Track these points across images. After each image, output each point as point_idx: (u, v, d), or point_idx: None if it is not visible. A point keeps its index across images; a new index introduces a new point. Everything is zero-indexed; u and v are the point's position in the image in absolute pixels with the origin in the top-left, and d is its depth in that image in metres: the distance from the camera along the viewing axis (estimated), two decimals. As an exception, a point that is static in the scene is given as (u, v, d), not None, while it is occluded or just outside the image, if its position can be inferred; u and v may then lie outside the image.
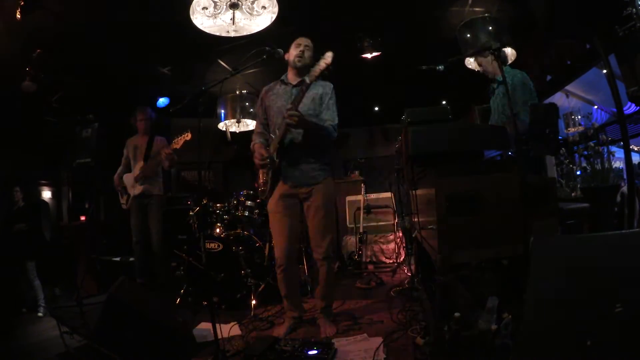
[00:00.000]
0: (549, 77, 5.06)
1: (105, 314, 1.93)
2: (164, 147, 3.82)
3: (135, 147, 3.84)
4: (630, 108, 4.72)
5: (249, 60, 2.39)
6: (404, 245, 4.58)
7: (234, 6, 2.82)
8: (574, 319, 1.17)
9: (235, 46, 3.92)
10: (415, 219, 2.38)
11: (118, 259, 4.33)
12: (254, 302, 3.02)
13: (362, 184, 5.32)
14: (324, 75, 2.28)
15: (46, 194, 5.66)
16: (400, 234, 4.69)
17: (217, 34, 3.03)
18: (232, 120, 5.30)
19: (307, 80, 2.24)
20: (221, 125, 5.42)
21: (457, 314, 1.56)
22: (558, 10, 3.38)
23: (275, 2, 2.83)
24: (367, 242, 4.83)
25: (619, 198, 3.32)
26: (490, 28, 2.87)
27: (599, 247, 1.19)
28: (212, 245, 3.25)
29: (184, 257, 3.30)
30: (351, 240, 4.95)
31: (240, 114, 5.20)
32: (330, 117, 2.44)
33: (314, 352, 1.99)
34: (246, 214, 3.63)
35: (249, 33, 3.05)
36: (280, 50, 2.44)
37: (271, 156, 2.41)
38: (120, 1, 3.27)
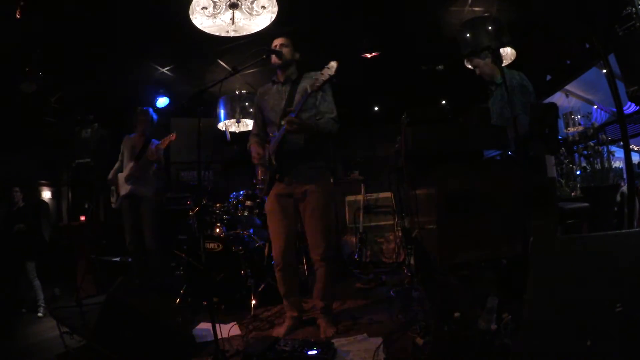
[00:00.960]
0: (548, 77, 5.06)
1: (105, 314, 1.93)
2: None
3: (132, 146, 3.85)
4: (630, 108, 4.72)
5: (249, 60, 2.39)
6: (403, 245, 4.57)
7: (233, 6, 2.82)
8: (574, 319, 1.17)
9: (234, 46, 3.92)
10: (415, 219, 2.38)
11: (118, 259, 4.32)
12: (253, 302, 3.02)
13: (362, 184, 5.32)
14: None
15: (46, 194, 5.66)
16: (400, 234, 4.69)
17: (217, 33, 3.03)
18: (232, 120, 5.30)
19: (309, 89, 2.23)
20: (221, 125, 5.42)
21: (456, 314, 1.56)
22: (558, 10, 3.39)
23: (274, 1, 2.83)
24: (367, 242, 4.83)
25: (618, 198, 3.32)
26: (490, 28, 2.86)
27: (598, 247, 1.19)
28: (212, 245, 3.25)
29: (184, 257, 3.30)
30: (351, 240, 4.95)
31: (239, 114, 5.19)
32: (328, 109, 2.42)
33: (314, 352, 1.99)
34: (246, 213, 3.63)
35: (248, 33, 3.05)
36: (280, 50, 2.45)
37: (268, 155, 2.42)
38: (121, 1, 3.27)
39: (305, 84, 2.37)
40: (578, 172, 4.20)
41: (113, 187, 3.84)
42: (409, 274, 3.66)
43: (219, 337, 1.97)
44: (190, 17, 2.88)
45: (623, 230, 1.80)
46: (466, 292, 2.43)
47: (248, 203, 3.66)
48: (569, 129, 5.75)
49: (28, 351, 2.61)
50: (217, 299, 3.12)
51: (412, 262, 3.60)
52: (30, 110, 4.79)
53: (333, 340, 2.22)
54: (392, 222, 4.98)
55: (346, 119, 2.79)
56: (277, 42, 2.51)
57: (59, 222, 5.54)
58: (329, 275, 2.51)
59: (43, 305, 3.56)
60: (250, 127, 5.38)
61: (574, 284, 1.17)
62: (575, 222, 2.32)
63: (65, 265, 4.44)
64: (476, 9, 3.66)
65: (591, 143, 4.01)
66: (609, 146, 3.77)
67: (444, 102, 6.36)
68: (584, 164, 4.07)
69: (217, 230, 3.65)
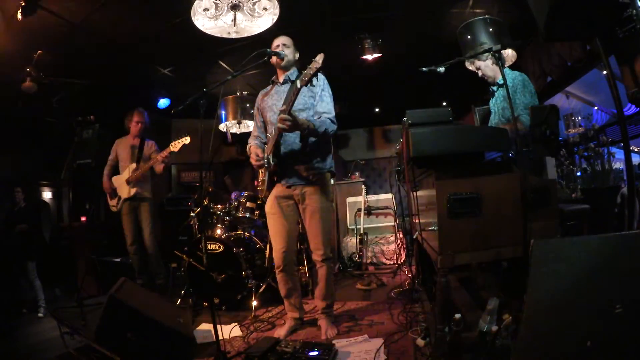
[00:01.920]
0: (549, 79, 5.06)
1: (106, 314, 1.93)
2: (154, 151, 3.84)
3: (130, 147, 3.85)
4: (630, 109, 4.73)
5: (250, 62, 2.39)
6: (404, 246, 4.58)
7: (235, 7, 2.82)
8: (574, 320, 1.17)
9: (236, 47, 3.93)
10: (416, 220, 2.38)
11: (118, 259, 4.33)
12: (254, 303, 3.02)
13: (363, 185, 5.33)
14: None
15: (47, 195, 5.66)
16: (401, 235, 4.69)
17: (218, 35, 3.03)
18: (233, 122, 5.30)
19: (299, 84, 2.15)
20: (222, 127, 5.43)
21: (457, 315, 1.56)
22: (558, 12, 3.38)
23: (276, 3, 2.84)
24: (368, 243, 4.83)
25: (619, 199, 3.32)
26: (491, 30, 2.87)
27: (599, 248, 1.19)
28: (213, 246, 3.26)
29: (185, 258, 3.30)
30: (352, 242, 4.96)
31: (241, 115, 5.20)
32: (325, 109, 2.40)
33: (315, 353, 2.00)
34: (247, 215, 3.63)
35: (250, 34, 3.06)
36: (281, 52, 2.46)
37: (267, 157, 2.42)
38: (121, 1, 3.27)
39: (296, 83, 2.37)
40: (578, 174, 4.21)
41: (110, 191, 3.83)
42: (410, 275, 3.66)
43: (220, 338, 1.98)
44: (192, 18, 2.89)
45: (623, 232, 1.80)
46: (467, 293, 2.44)
47: (249, 204, 3.67)
48: (569, 130, 5.76)
49: (28, 351, 2.61)
50: (218, 300, 3.12)
51: (412, 263, 3.60)
52: (30, 110, 4.79)
53: (334, 342, 2.22)
54: (392, 223, 4.99)
55: (347, 120, 2.81)
56: (279, 41, 2.51)
57: (60, 223, 5.53)
58: (330, 276, 2.51)
59: (44, 305, 3.56)
60: (251, 129, 5.39)
61: (574, 285, 1.17)
62: (575, 223, 2.32)
63: (65, 266, 4.44)
64: (477, 10, 3.66)
65: (592, 144, 4.02)
66: (610, 147, 3.78)
67: (444, 103, 6.37)
68: (584, 166, 4.08)
69: (218, 231, 3.66)
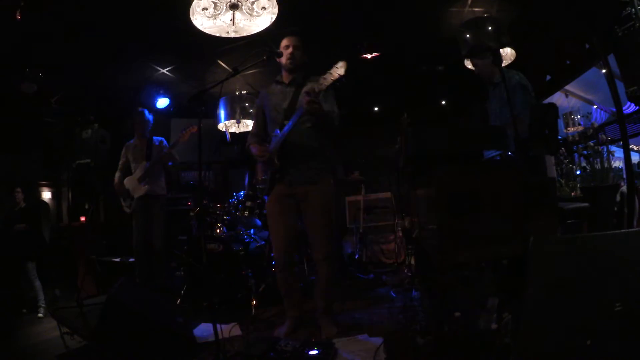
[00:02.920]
0: (548, 77, 5.07)
1: (106, 314, 1.93)
2: (164, 146, 3.84)
3: (135, 147, 3.85)
4: (629, 107, 4.72)
5: (249, 61, 2.39)
6: (403, 245, 4.58)
7: (234, 7, 2.81)
8: (574, 319, 1.17)
9: (235, 47, 3.93)
10: (415, 219, 2.38)
11: (118, 259, 4.32)
12: (254, 302, 3.02)
13: (362, 184, 5.33)
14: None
15: (46, 195, 5.66)
16: (400, 234, 4.69)
17: (217, 34, 3.03)
18: (232, 121, 5.30)
19: (316, 89, 2.19)
20: (221, 126, 5.42)
21: (457, 314, 1.56)
22: (558, 10, 3.39)
23: (275, 2, 2.83)
24: (367, 242, 4.83)
25: (618, 197, 3.32)
26: (490, 28, 2.86)
27: (598, 247, 1.19)
28: (212, 245, 3.25)
29: (185, 257, 3.30)
30: (351, 241, 4.95)
31: (240, 114, 5.19)
32: (330, 108, 2.42)
33: (315, 352, 2.00)
34: (246, 214, 3.63)
35: (248, 34, 3.05)
36: (280, 51, 2.45)
37: (271, 155, 2.42)
38: (121, 1, 3.27)
39: (313, 85, 2.36)
40: (578, 172, 4.21)
41: (123, 194, 3.82)
42: (409, 274, 3.66)
43: (220, 337, 1.98)
44: (191, 17, 2.89)
45: (623, 230, 1.80)
46: (466, 292, 2.43)
47: (248, 204, 3.67)
48: (568, 129, 5.76)
49: (28, 352, 2.61)
50: (218, 300, 3.12)
51: (412, 262, 3.61)
52: (30, 111, 4.79)
53: (334, 341, 2.22)
54: (392, 222, 4.99)
55: (346, 119, 2.81)
56: (289, 42, 2.48)
57: (60, 223, 5.53)
58: (330, 275, 2.51)
59: (44, 305, 3.56)
60: (250, 128, 5.39)
61: (574, 284, 1.17)
62: (575, 222, 2.32)
63: (65, 266, 4.44)
64: (476, 9, 3.66)
65: (591, 143, 4.02)
66: (609, 146, 3.77)
67: (443, 102, 6.37)
68: (583, 164, 4.08)
69: (218, 230, 3.65)
